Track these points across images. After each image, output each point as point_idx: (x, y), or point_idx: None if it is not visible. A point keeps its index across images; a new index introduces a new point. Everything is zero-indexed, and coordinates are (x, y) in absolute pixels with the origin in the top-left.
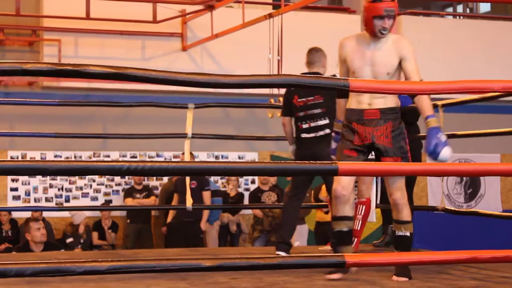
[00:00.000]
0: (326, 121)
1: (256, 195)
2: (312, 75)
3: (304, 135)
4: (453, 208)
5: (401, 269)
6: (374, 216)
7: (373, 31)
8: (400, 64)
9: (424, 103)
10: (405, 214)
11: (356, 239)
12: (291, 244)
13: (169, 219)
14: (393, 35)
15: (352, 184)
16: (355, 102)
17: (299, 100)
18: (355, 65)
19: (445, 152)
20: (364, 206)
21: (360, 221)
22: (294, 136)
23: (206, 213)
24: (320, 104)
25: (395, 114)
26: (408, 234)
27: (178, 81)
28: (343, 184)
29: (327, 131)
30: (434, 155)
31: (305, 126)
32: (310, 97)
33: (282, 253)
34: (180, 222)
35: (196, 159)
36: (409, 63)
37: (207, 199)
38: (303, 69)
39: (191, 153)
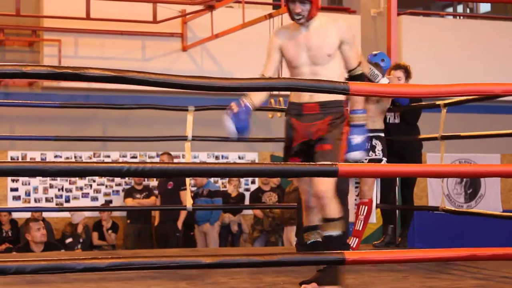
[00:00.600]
0: None
1: (256, 195)
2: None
3: None
4: (453, 208)
5: (325, 276)
6: (375, 217)
7: (291, 17)
8: (340, 47)
9: (356, 96)
10: (332, 210)
11: (357, 239)
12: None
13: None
14: (328, 18)
15: (331, 191)
16: (296, 94)
17: None
18: (290, 53)
19: (356, 155)
20: (366, 207)
21: (362, 222)
22: None
23: (183, 214)
24: None
25: (338, 108)
26: (335, 234)
27: (178, 85)
28: (319, 193)
29: None
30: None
31: None
32: None
33: None
34: (160, 222)
35: (196, 160)
36: (350, 47)
37: (184, 199)
38: None
39: (168, 154)
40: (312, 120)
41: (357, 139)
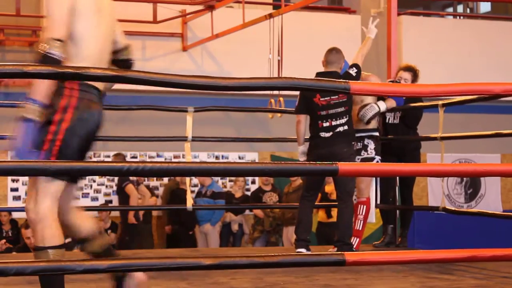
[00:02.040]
0: (346, 119)
1: (257, 195)
2: (326, 74)
3: (323, 134)
4: (453, 208)
5: None
6: (374, 217)
7: None
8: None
9: None
10: (45, 235)
11: (358, 239)
12: (309, 241)
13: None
14: None
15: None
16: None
17: (321, 99)
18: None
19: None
20: (365, 206)
21: (362, 221)
22: (310, 135)
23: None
24: (343, 103)
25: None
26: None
27: (178, 84)
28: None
29: (346, 127)
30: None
31: (326, 124)
32: (334, 96)
33: (303, 250)
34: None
35: (196, 160)
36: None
37: (130, 193)
38: (303, 69)
39: (120, 154)
40: None
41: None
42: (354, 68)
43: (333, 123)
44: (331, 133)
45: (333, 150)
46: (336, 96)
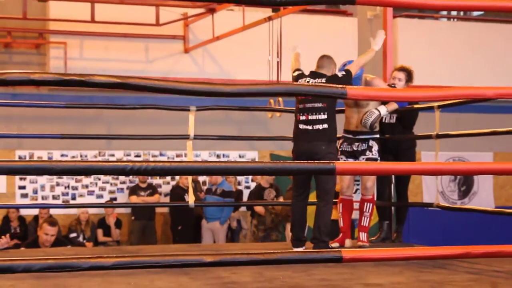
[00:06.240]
0: (325, 116)
1: (258, 193)
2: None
3: (301, 126)
4: (447, 205)
5: None
6: None
7: None
8: None
9: None
10: None
11: (365, 234)
12: (306, 238)
13: None
14: None
15: None
16: None
17: None
18: None
19: None
20: (370, 204)
21: (368, 218)
22: (293, 129)
23: None
24: (321, 99)
25: None
26: None
27: (180, 90)
28: None
29: (325, 126)
30: None
31: (302, 118)
32: None
33: (300, 250)
34: None
35: (198, 158)
36: None
37: None
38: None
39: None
40: None
41: None
42: (343, 72)
43: (310, 117)
44: (310, 127)
45: (311, 147)
46: None
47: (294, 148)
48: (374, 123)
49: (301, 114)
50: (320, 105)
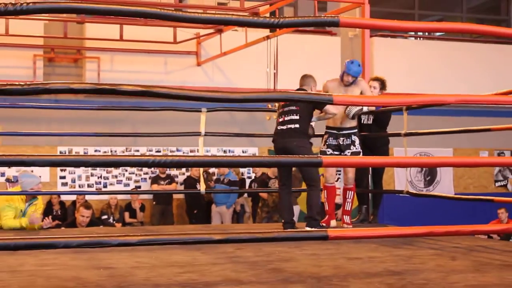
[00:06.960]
0: (298, 118)
1: (263, 181)
2: (300, 91)
3: (279, 127)
4: (415, 192)
5: None
6: None
7: None
8: None
9: None
10: None
11: (348, 216)
12: (294, 222)
13: None
14: None
15: None
16: None
17: None
18: None
19: None
20: (352, 192)
21: (350, 203)
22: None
23: None
24: (296, 103)
25: None
26: None
27: (194, 97)
28: None
29: (297, 125)
30: None
31: (280, 119)
32: None
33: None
34: None
35: (208, 153)
36: None
37: None
38: (295, 81)
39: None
40: None
41: None
42: (313, 90)
43: (286, 118)
44: (284, 127)
45: (285, 143)
46: None
47: (274, 145)
48: (356, 114)
49: (280, 116)
50: (293, 108)
